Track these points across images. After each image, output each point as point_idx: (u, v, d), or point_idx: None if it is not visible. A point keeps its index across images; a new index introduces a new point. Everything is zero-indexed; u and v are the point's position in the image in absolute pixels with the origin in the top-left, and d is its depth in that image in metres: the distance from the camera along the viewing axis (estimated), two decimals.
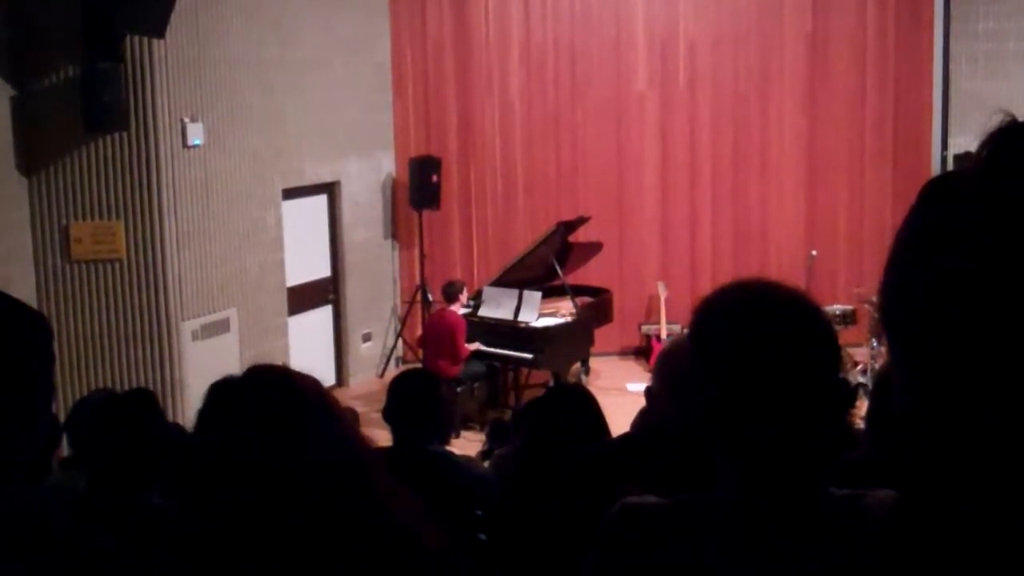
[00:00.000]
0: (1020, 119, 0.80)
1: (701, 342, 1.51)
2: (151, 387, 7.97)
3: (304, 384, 1.74)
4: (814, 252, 11.14)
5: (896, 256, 0.85)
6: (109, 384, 7.90)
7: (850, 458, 2.65)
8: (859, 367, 9.59)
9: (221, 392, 1.72)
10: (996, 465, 0.76)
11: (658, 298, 11.56)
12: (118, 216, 8.18)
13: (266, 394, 1.69)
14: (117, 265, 8.22)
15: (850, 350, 8.82)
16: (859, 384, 8.79)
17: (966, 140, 11.20)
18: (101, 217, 8.16)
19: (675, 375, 2.96)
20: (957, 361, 0.77)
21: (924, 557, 0.81)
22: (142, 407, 3.31)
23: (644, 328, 11.98)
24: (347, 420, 1.77)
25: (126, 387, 7.86)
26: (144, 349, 8.28)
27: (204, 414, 1.71)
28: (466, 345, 9.54)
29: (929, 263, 0.79)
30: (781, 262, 11.71)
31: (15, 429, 1.58)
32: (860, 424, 3.25)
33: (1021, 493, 0.75)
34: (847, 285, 11.19)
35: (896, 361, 0.86)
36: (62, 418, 4.13)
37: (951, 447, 0.79)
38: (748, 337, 1.44)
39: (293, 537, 1.59)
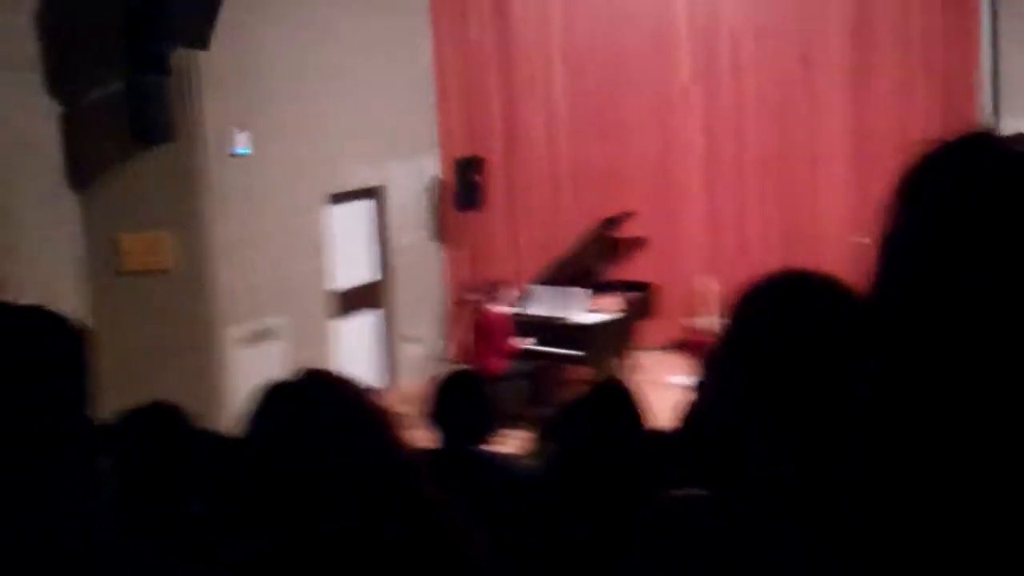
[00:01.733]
0: None
1: (740, 333, 1.49)
2: (200, 396, 8.06)
3: (352, 388, 1.73)
4: (864, 240, 10.97)
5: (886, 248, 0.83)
6: (159, 395, 7.95)
7: None
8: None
9: (270, 395, 1.72)
10: (997, 448, 0.74)
11: (703, 291, 11.47)
12: (167, 227, 8.27)
13: (315, 398, 1.69)
14: (166, 276, 8.31)
15: None
16: None
17: (1017, 122, 11.00)
18: (150, 229, 8.25)
19: (719, 369, 2.93)
20: (952, 347, 0.75)
21: (909, 539, 0.79)
22: (169, 417, 3.34)
23: (689, 322, 11.89)
24: (394, 426, 1.76)
25: (176, 397, 7.94)
26: (192, 359, 8.35)
27: (254, 417, 1.72)
28: (515, 342, 9.54)
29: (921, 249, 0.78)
30: (831, 251, 11.57)
31: (52, 439, 1.60)
32: None
33: (1008, 473, 0.73)
34: None
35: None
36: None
37: (951, 432, 0.77)
38: (787, 327, 1.43)
39: (335, 544, 1.59)
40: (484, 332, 9.67)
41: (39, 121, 7.68)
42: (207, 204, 8.31)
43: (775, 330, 1.44)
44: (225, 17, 8.10)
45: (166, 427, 3.20)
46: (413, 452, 1.80)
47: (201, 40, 7.87)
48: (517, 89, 12.05)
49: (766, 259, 11.83)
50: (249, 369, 8.44)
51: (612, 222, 10.25)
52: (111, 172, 8.17)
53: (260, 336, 8.84)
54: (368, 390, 1.78)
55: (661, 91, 12.03)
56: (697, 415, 3.28)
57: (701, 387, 3.13)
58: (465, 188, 11.24)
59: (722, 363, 1.55)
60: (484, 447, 3.97)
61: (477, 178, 11.29)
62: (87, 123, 8.04)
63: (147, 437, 3.15)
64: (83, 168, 8.13)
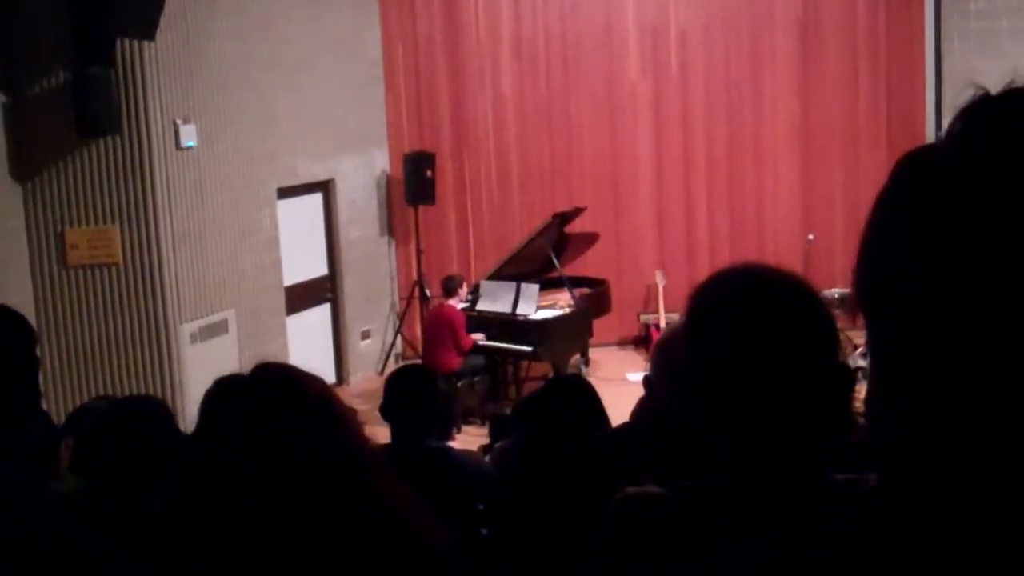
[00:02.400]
0: (992, 93, 0.79)
1: (697, 327, 1.49)
2: (151, 391, 7.98)
3: (308, 383, 1.72)
4: (811, 236, 11.13)
5: (869, 233, 0.83)
6: (109, 390, 7.89)
7: (850, 442, 2.63)
8: (859, 350, 9.58)
9: (226, 390, 1.71)
10: (974, 448, 0.74)
11: (656, 287, 11.56)
12: (113, 221, 8.16)
13: (271, 392, 1.68)
14: (113, 270, 8.21)
15: (849, 333, 8.80)
16: (859, 367, 8.77)
17: None
18: (96, 222, 8.15)
19: (673, 363, 2.95)
20: (932, 339, 0.75)
21: (903, 541, 0.80)
22: (151, 414, 3.30)
23: (643, 317, 11.97)
24: (351, 420, 1.75)
25: (126, 392, 7.86)
26: (143, 353, 8.27)
27: (207, 411, 1.70)
28: (469, 336, 9.54)
29: (902, 240, 0.78)
30: (779, 247, 11.70)
31: (4, 431, 1.58)
32: (860, 408, 3.23)
33: (1001, 477, 0.74)
34: (845, 268, 11.12)
35: (870, 341, 0.85)
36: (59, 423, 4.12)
37: (927, 431, 0.78)
38: (744, 321, 1.43)
39: (295, 537, 1.58)
40: (436, 327, 9.65)
41: None
42: (154, 197, 8.21)
43: (733, 323, 1.45)
44: (172, 8, 8.00)
45: (140, 423, 3.14)
46: (371, 446, 1.80)
47: (147, 31, 7.76)
48: (466, 84, 12.04)
49: (716, 253, 11.94)
50: (200, 364, 8.37)
51: (563, 217, 10.26)
52: (56, 165, 8.05)
53: (211, 330, 8.76)
54: (323, 384, 1.77)
55: (610, 88, 12.08)
56: (649, 410, 3.29)
57: (649, 382, 3.15)
58: (415, 183, 11.22)
59: (680, 358, 1.56)
60: (437, 442, 3.97)
61: (427, 173, 11.27)
62: (32, 115, 7.92)
63: (119, 431, 3.10)
64: (27, 160, 8.01)
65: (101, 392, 7.66)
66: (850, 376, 1.47)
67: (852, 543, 0.87)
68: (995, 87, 0.81)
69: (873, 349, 0.84)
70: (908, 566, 0.79)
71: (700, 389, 1.46)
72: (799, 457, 1.43)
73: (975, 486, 0.75)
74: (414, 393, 3.89)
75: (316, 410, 1.67)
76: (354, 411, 1.78)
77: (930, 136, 11.71)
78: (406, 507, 1.71)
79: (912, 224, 0.78)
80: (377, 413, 3.96)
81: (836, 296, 9.68)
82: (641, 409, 3.84)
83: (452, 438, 6.89)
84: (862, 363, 9.22)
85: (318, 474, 1.60)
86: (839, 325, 1.50)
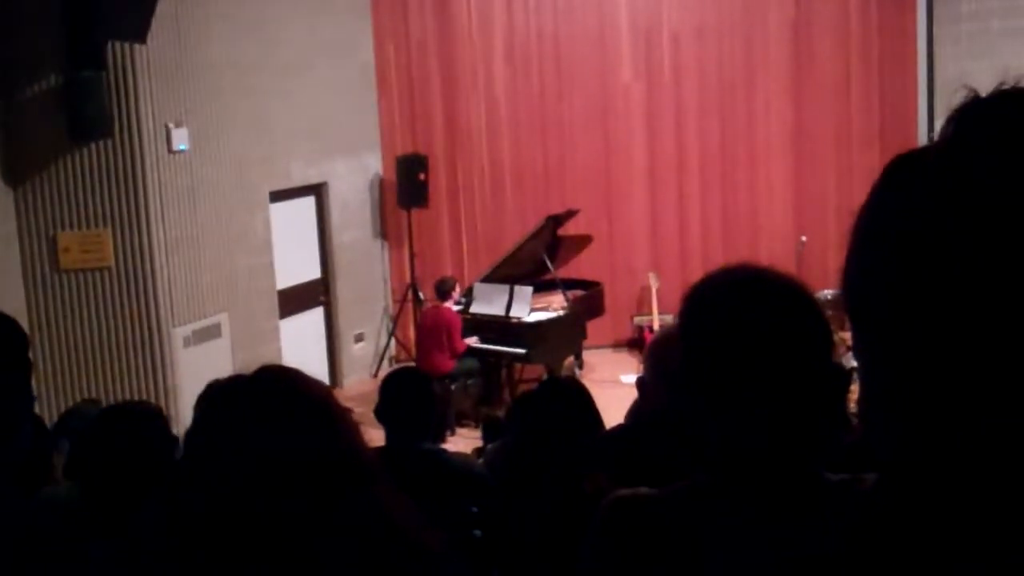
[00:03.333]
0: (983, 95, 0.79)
1: (691, 328, 1.49)
2: (143, 394, 7.96)
3: (309, 386, 1.72)
4: (803, 238, 11.15)
5: (859, 236, 0.83)
6: (102, 394, 7.87)
7: (845, 443, 2.64)
8: (852, 351, 9.59)
9: (224, 391, 1.70)
10: (966, 450, 0.74)
11: (649, 289, 11.56)
12: (105, 224, 8.15)
13: (270, 394, 1.67)
14: (106, 273, 8.19)
15: (842, 335, 8.81)
16: (852, 369, 8.78)
17: None
18: (88, 226, 8.13)
19: (667, 365, 2.95)
20: (921, 343, 0.75)
21: (898, 543, 0.80)
22: (144, 418, 3.29)
23: (636, 320, 11.98)
24: (350, 423, 1.75)
25: (119, 396, 7.84)
26: (136, 357, 8.26)
27: (206, 412, 1.69)
28: (463, 339, 9.55)
29: (892, 242, 0.78)
30: (771, 249, 11.71)
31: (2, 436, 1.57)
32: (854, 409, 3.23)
33: (995, 478, 0.73)
34: (837, 270, 11.13)
35: (858, 345, 0.84)
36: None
37: (919, 433, 0.78)
38: (738, 322, 1.43)
39: (291, 539, 1.57)
40: (430, 330, 9.64)
41: None
42: (147, 201, 8.19)
43: (728, 324, 1.45)
44: (163, 11, 7.99)
45: (135, 427, 3.13)
46: (368, 450, 1.79)
47: (139, 34, 7.75)
48: (459, 87, 12.04)
49: (709, 255, 11.95)
50: (193, 367, 8.35)
51: (557, 219, 10.26)
52: (48, 168, 8.03)
53: (204, 334, 8.74)
54: (323, 387, 1.77)
55: (603, 90, 12.09)
56: (643, 412, 3.30)
57: (642, 384, 3.15)
58: (408, 186, 11.22)
59: (674, 360, 1.56)
60: (432, 444, 3.96)
61: (420, 176, 11.27)
62: (23, 118, 7.89)
63: (114, 436, 3.09)
64: (19, 164, 7.99)
65: (94, 396, 7.64)
66: (845, 376, 1.47)
67: (848, 544, 0.86)
68: (987, 89, 0.80)
69: (861, 351, 0.83)
70: (905, 568, 0.79)
71: (695, 389, 1.46)
72: (793, 457, 1.43)
73: (970, 489, 0.75)
74: (409, 395, 3.88)
75: (315, 413, 1.66)
76: (351, 413, 1.77)
77: (922, 138, 11.72)
78: (401, 511, 1.70)
79: (902, 226, 0.77)
80: (371, 416, 3.96)
81: (828, 298, 9.68)
82: (635, 411, 3.84)
83: (445, 440, 6.88)
84: (855, 364, 9.24)
85: (314, 477, 1.60)
86: (832, 326, 1.50)
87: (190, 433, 1.70)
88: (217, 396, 1.68)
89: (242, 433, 1.61)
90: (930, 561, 0.77)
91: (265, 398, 1.65)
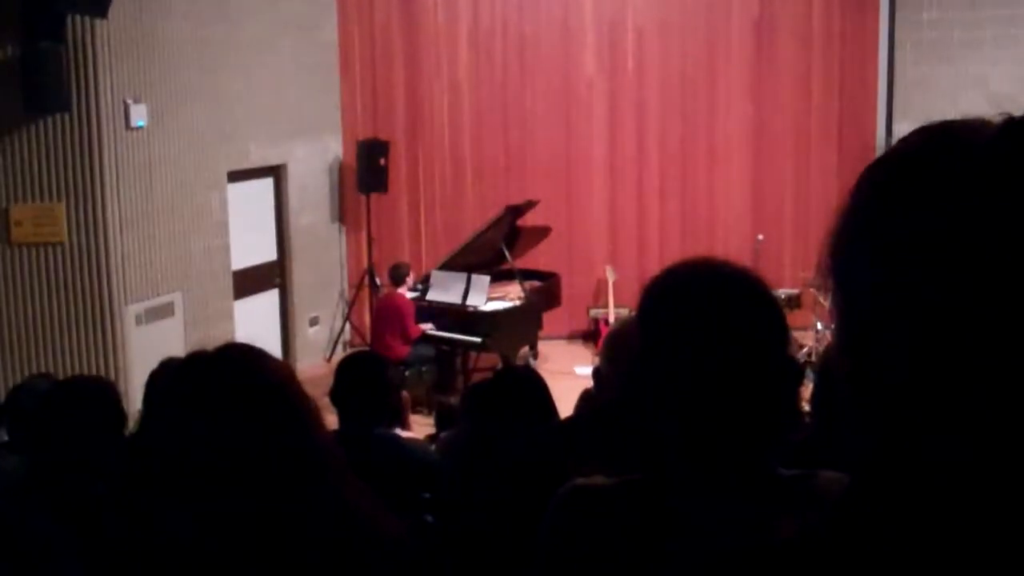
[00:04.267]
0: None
1: (649, 319, 1.50)
2: (94, 371, 7.88)
3: (270, 367, 1.70)
4: (760, 236, 11.23)
5: (859, 230, 0.80)
6: (52, 370, 7.78)
7: (795, 440, 2.66)
8: (804, 350, 9.70)
9: (185, 371, 1.67)
10: (955, 446, 0.74)
11: (606, 282, 11.60)
12: (60, 198, 8.05)
13: (226, 375, 1.65)
14: (59, 248, 8.09)
15: (795, 334, 8.89)
16: (806, 364, 8.87)
17: (909, 125, 11.28)
18: (42, 199, 8.03)
19: (622, 356, 2.97)
20: (917, 352, 0.75)
21: (879, 540, 0.80)
22: (97, 394, 3.25)
23: (592, 312, 12.01)
24: (310, 409, 1.73)
25: (69, 373, 7.75)
26: (87, 333, 8.17)
27: (156, 393, 1.67)
28: (418, 325, 9.54)
29: (908, 243, 0.75)
30: (728, 246, 11.78)
31: None
32: (805, 407, 3.27)
33: (984, 473, 0.74)
34: (793, 269, 11.28)
35: (842, 343, 0.83)
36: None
37: (898, 438, 0.78)
38: (696, 313, 1.44)
39: (242, 525, 1.56)
40: (385, 315, 9.62)
41: None
42: (103, 176, 8.10)
43: (686, 317, 1.46)
44: None
45: (86, 404, 3.09)
46: (327, 435, 1.78)
47: (99, 8, 7.65)
48: (422, 74, 12.00)
49: (666, 250, 12.02)
50: (145, 346, 8.27)
51: (516, 210, 10.27)
52: (2, 140, 7.92)
53: (157, 313, 8.67)
54: (284, 369, 1.75)
55: (566, 83, 12.10)
56: (598, 401, 3.31)
57: (598, 375, 3.16)
58: (368, 170, 11.17)
59: (630, 351, 1.57)
60: (385, 430, 3.96)
61: (381, 161, 11.23)
62: None
63: (64, 412, 3.05)
64: None
65: (44, 371, 7.54)
66: (799, 373, 1.49)
67: (805, 538, 0.87)
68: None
69: (848, 352, 0.82)
70: (863, 566, 0.79)
71: (651, 381, 1.47)
72: (748, 450, 1.45)
73: (947, 494, 0.75)
74: (365, 380, 3.88)
75: (271, 395, 1.64)
76: (312, 399, 1.75)
77: (880, 139, 11.86)
78: (358, 498, 1.69)
79: (939, 237, 0.75)
80: (326, 400, 3.95)
81: (784, 296, 9.78)
82: (585, 401, 3.86)
83: (406, 426, 6.88)
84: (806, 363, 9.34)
85: (270, 465, 1.58)
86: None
87: (145, 413, 1.68)
88: (176, 377, 1.66)
89: (196, 417, 1.59)
90: (895, 563, 0.78)
91: (223, 382, 1.63)
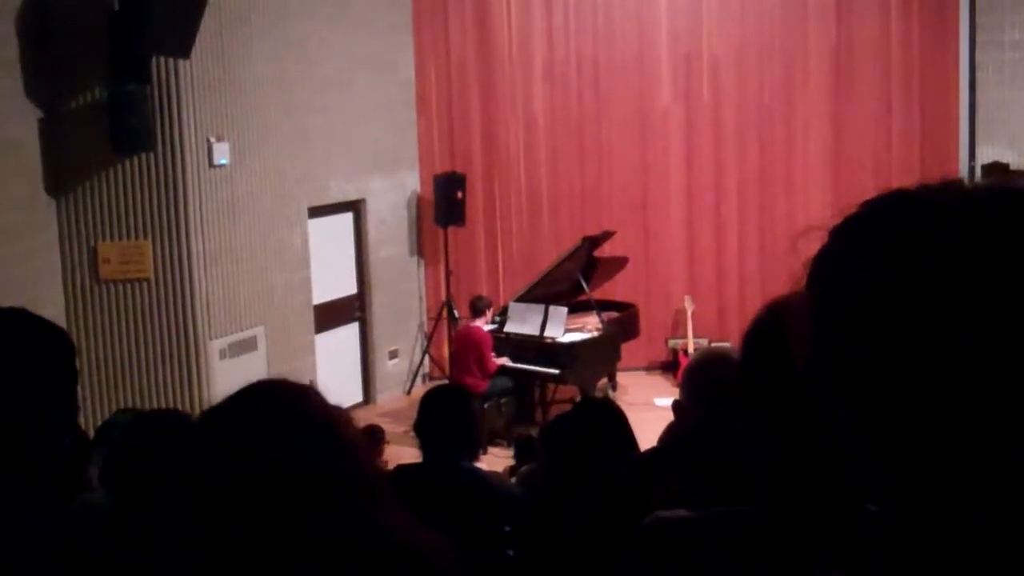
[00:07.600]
0: None
1: (755, 359, 1.47)
2: (180, 406, 8.01)
3: (301, 398, 1.69)
4: None
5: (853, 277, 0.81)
6: (138, 404, 7.93)
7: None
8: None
9: (231, 401, 1.69)
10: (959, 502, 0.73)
11: (685, 312, 11.52)
12: (146, 236, 8.23)
13: (273, 403, 1.66)
14: (145, 285, 8.27)
15: None
16: None
17: (994, 150, 11.11)
18: (129, 237, 8.22)
19: (702, 388, 2.93)
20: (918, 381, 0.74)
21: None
22: (175, 426, 3.29)
23: (671, 343, 11.92)
24: (356, 437, 1.71)
25: (155, 406, 7.89)
26: (172, 368, 8.32)
27: (213, 418, 1.68)
28: (495, 359, 9.55)
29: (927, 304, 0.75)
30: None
31: (39, 444, 1.58)
32: None
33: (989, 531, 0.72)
34: None
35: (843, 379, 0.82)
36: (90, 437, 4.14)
37: (915, 472, 0.77)
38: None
39: (277, 548, 1.54)
40: (464, 348, 9.65)
41: (19, 127, 7.63)
42: (187, 214, 8.28)
43: (788, 359, 1.43)
44: (207, 27, 8.09)
45: (163, 435, 3.14)
46: (373, 464, 1.76)
47: (183, 49, 7.85)
48: (498, 107, 12.08)
49: (745, 281, 11.90)
50: (229, 379, 8.36)
51: (593, 241, 10.26)
52: (90, 180, 8.13)
53: (240, 347, 8.80)
54: (320, 399, 1.74)
55: (642, 113, 12.08)
56: (681, 435, 3.27)
57: (678, 407, 3.13)
58: (445, 204, 11.25)
59: (735, 388, 1.54)
60: (467, 463, 3.96)
61: (458, 194, 11.31)
62: (67, 130, 7.99)
63: (143, 444, 3.10)
64: (62, 175, 8.08)
65: (131, 406, 7.69)
66: None
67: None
68: None
69: (848, 386, 0.81)
70: None
71: (752, 421, 1.44)
72: (842, 484, 1.42)
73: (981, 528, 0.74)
74: (449, 413, 3.87)
75: (319, 424, 1.64)
76: (379, 430, 1.75)
77: (963, 166, 11.63)
78: (402, 526, 1.66)
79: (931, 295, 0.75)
80: (402, 432, 3.96)
81: None
82: (669, 434, 3.82)
83: (478, 459, 6.87)
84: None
85: (311, 488, 1.56)
86: None
87: (195, 440, 1.70)
88: (227, 404, 1.67)
89: (226, 446, 1.58)
90: None
91: (268, 407, 1.64)
